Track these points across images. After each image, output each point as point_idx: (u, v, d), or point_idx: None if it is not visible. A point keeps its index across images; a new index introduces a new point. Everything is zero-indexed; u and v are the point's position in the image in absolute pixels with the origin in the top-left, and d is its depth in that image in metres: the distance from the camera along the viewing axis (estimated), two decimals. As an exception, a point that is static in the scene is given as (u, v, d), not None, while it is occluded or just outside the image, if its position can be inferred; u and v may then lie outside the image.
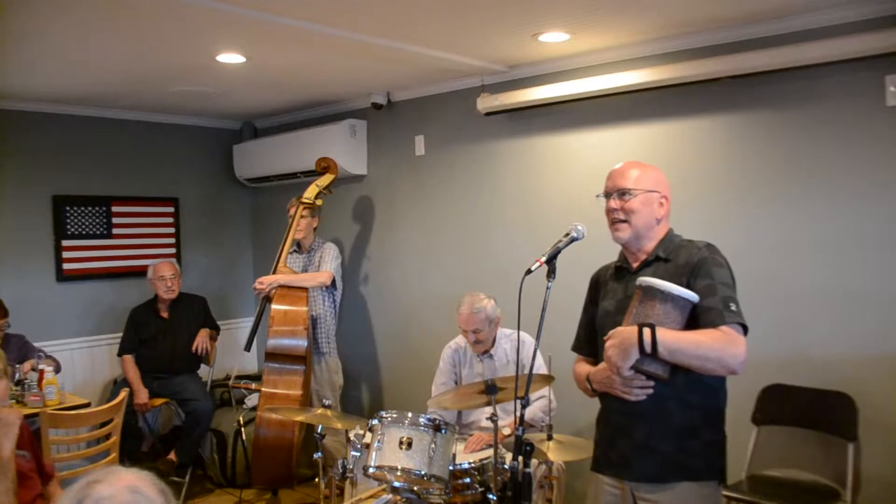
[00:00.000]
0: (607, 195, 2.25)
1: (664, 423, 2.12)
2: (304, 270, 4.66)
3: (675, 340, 1.99)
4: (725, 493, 3.11)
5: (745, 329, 2.05)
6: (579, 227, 2.21)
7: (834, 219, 3.21)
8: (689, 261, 2.14)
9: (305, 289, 4.51)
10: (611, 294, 2.30)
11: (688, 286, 2.08)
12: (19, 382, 3.96)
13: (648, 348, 1.97)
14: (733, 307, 2.04)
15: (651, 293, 2.03)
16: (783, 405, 3.29)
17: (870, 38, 2.95)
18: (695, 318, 2.05)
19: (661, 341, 1.97)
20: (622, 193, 2.20)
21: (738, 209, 3.48)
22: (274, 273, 4.55)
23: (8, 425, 2.44)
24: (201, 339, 4.93)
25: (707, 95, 3.51)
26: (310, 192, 4.68)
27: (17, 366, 4.03)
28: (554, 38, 3.57)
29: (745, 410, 3.34)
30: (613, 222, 2.23)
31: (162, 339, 4.87)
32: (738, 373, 2.00)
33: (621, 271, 2.30)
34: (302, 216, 4.64)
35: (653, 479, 2.13)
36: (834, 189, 3.21)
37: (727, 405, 2.22)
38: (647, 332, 1.98)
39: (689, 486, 2.11)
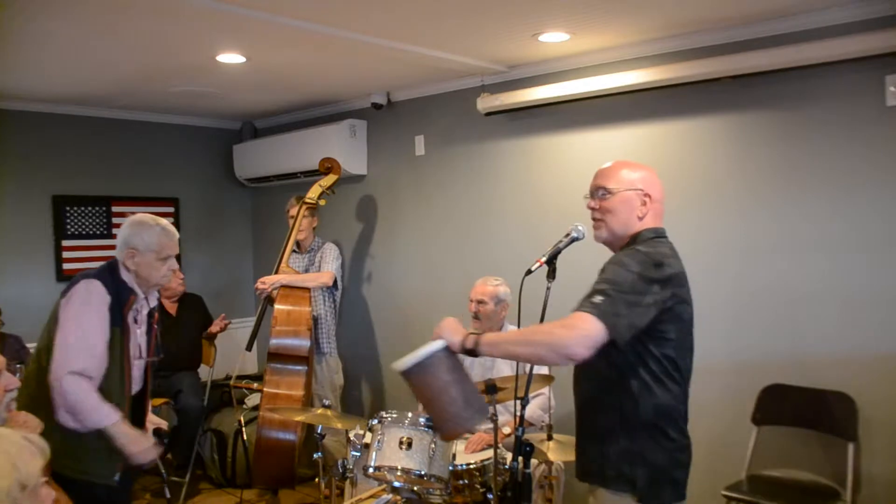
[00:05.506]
0: (590, 194, 2.18)
1: (591, 422, 2.09)
2: (306, 271, 4.66)
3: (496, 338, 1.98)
4: (725, 492, 3.12)
5: (606, 321, 1.81)
6: (580, 228, 2.20)
7: (834, 218, 3.21)
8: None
9: (308, 289, 4.51)
10: None
11: None
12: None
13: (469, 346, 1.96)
14: (597, 299, 1.85)
15: (415, 373, 1.96)
16: (783, 405, 3.29)
17: (870, 38, 2.95)
18: None
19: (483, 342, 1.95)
20: (601, 192, 2.12)
21: (738, 209, 3.47)
22: (276, 273, 4.55)
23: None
24: (221, 323, 4.90)
25: (707, 95, 3.51)
26: (313, 192, 4.67)
27: (18, 365, 4.01)
28: (554, 38, 3.57)
29: (745, 410, 3.35)
30: (594, 221, 2.17)
31: (167, 336, 4.84)
32: (576, 358, 1.82)
33: None
34: (304, 216, 4.64)
35: (580, 477, 2.12)
36: (834, 189, 3.21)
37: (678, 416, 2.02)
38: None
39: (603, 493, 2.03)
